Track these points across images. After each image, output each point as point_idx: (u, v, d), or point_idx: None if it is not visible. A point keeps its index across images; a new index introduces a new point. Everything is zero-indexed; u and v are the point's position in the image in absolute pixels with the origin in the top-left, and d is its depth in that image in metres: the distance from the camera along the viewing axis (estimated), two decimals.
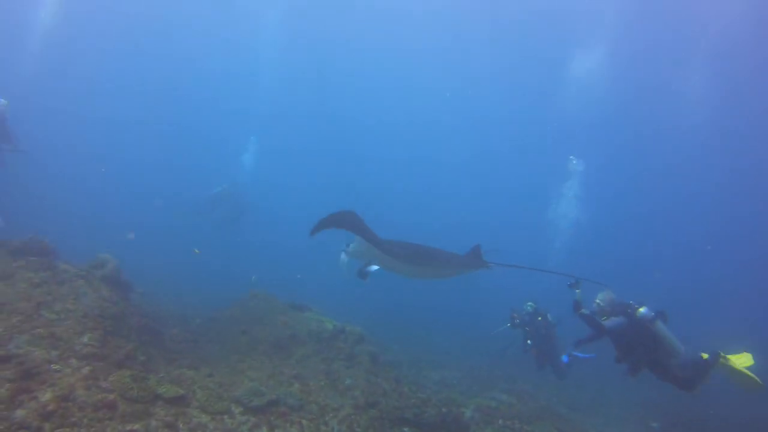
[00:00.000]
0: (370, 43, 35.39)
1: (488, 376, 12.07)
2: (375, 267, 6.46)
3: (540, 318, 9.55)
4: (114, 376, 4.72)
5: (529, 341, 9.53)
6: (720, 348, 6.29)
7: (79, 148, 32.83)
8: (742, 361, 6.14)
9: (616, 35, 24.18)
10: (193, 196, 20.75)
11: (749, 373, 5.96)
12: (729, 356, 6.14)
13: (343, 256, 6.43)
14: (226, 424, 4.92)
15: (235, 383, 6.00)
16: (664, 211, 33.59)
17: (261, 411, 5.39)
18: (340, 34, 34.05)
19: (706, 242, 30.27)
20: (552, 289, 8.96)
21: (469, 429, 7.45)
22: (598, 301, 6.55)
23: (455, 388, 10.03)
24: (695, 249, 30.79)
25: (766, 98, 24.02)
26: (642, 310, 6.20)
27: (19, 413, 3.92)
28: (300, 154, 40.55)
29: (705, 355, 6.22)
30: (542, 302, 9.95)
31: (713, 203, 31.29)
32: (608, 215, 31.92)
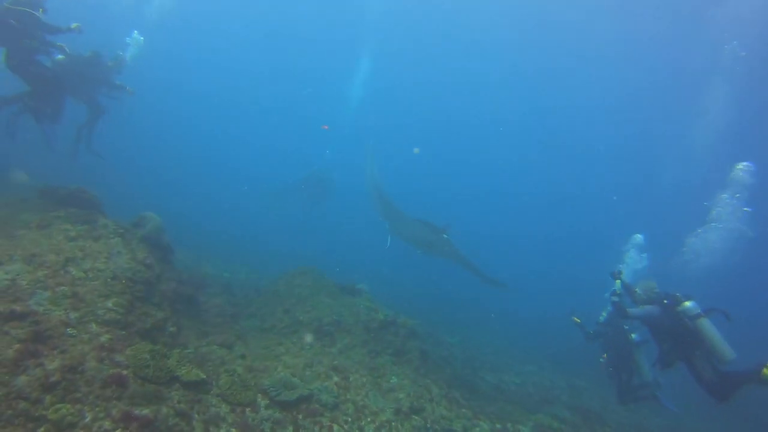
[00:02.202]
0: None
1: (550, 386, 10.93)
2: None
3: (615, 330, 8.23)
4: (132, 348, 4.25)
5: (605, 355, 8.29)
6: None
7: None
8: None
9: None
10: (286, 178, 21.86)
11: None
12: None
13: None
14: (247, 419, 4.34)
15: (268, 369, 5.45)
16: None
17: (289, 407, 4.78)
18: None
19: None
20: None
21: None
22: (637, 289, 6.61)
23: (512, 396, 9.04)
24: None
25: None
26: (688, 304, 5.93)
27: (22, 380, 3.52)
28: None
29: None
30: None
31: None
32: None
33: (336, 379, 5.80)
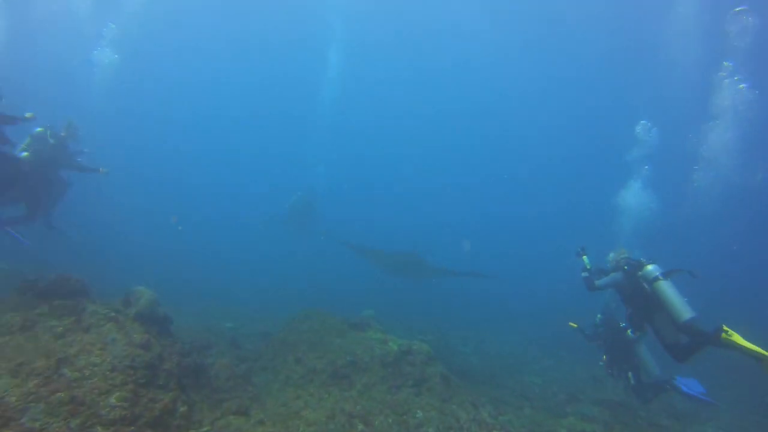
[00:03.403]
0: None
1: (572, 380, 10.77)
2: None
3: (611, 330, 7.98)
4: None
5: (604, 357, 8.07)
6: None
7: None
8: None
9: None
10: (274, 204, 21.67)
11: (754, 347, 5.10)
12: (734, 333, 5.33)
13: None
14: None
15: (290, 431, 5.19)
16: None
17: None
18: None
19: None
20: None
21: None
22: (608, 258, 6.89)
23: (538, 400, 8.84)
24: None
25: None
26: (649, 267, 6.11)
27: None
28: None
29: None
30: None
31: None
32: None
33: (361, 427, 5.55)
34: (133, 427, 4.27)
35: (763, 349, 5.04)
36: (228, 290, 16.11)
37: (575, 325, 8.01)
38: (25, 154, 6.88)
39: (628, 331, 7.48)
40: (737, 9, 13.32)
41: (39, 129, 7.78)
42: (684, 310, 5.64)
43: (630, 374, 7.56)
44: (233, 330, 9.91)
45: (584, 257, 6.82)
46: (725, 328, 5.33)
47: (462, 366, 9.81)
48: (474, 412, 6.75)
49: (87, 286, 5.89)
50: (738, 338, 5.20)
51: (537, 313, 17.59)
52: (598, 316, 8.23)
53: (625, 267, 6.42)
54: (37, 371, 4.31)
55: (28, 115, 6.65)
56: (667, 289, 5.86)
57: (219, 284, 16.87)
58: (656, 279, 5.96)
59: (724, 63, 13.51)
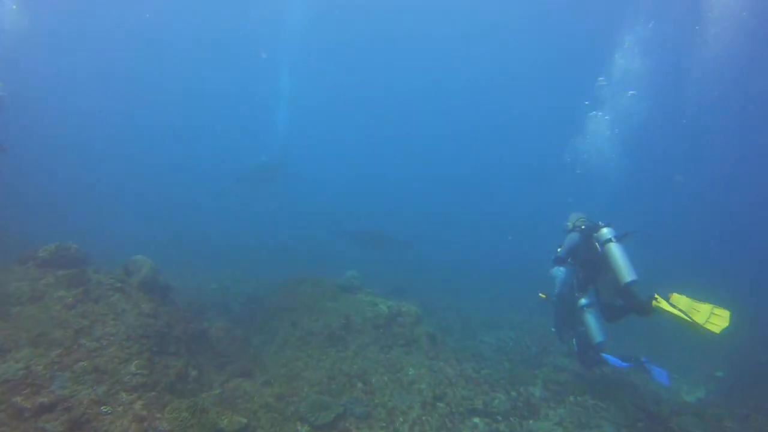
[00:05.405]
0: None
1: (543, 333, 11.57)
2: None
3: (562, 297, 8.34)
4: (170, 410, 4.22)
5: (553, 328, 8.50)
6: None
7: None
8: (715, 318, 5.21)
9: None
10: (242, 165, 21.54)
11: (681, 314, 5.26)
12: (662, 300, 5.55)
13: None
14: None
15: (296, 391, 5.55)
16: None
17: (329, 428, 4.94)
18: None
19: None
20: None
21: (539, 411, 6.98)
22: (568, 223, 7.03)
23: (514, 354, 9.54)
24: None
25: None
26: (604, 230, 6.23)
27: None
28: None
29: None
30: None
31: None
32: None
33: (360, 385, 5.97)
34: (154, 392, 4.51)
35: (686, 315, 5.21)
36: (205, 247, 16.12)
37: (544, 296, 8.29)
38: None
39: (581, 300, 7.34)
40: None
41: None
42: (627, 273, 5.86)
43: (574, 340, 7.70)
44: (220, 291, 10.08)
45: (558, 249, 7.02)
46: (656, 296, 5.58)
47: (442, 324, 10.38)
48: (459, 368, 7.30)
49: (86, 254, 5.92)
50: (665, 305, 5.43)
51: (507, 273, 18.41)
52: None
53: (582, 227, 6.65)
54: (57, 342, 4.44)
55: None
56: (616, 251, 6.04)
57: (195, 241, 16.82)
58: (608, 241, 6.15)
59: None
